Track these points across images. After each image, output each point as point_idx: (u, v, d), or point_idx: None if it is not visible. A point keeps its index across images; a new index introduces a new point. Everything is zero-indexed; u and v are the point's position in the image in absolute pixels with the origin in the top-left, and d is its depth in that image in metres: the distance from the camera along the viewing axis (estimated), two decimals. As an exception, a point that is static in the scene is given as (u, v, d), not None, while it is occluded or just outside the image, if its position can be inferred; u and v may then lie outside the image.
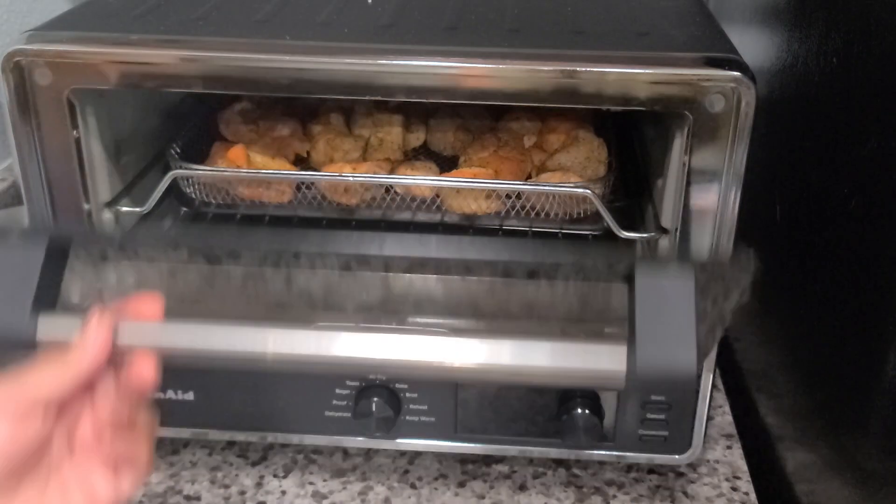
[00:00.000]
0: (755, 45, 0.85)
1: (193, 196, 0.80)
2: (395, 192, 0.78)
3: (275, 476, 0.77)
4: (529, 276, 0.57)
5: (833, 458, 0.65)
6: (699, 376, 0.66)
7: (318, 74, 0.64)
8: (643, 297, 0.52)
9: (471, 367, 0.55)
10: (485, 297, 0.59)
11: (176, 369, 0.54)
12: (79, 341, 0.51)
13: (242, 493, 0.76)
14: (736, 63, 0.62)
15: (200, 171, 0.77)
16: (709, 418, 0.74)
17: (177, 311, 0.55)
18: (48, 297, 0.54)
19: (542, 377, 0.55)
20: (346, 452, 0.80)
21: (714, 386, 0.73)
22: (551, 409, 0.74)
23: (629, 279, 0.53)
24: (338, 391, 0.74)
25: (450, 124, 0.86)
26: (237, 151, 0.79)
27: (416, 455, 0.79)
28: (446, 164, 0.83)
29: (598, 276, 0.55)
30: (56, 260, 0.55)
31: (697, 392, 0.72)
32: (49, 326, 0.53)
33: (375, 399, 0.73)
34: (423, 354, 0.55)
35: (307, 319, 0.56)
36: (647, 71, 0.62)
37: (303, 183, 0.78)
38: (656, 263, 0.55)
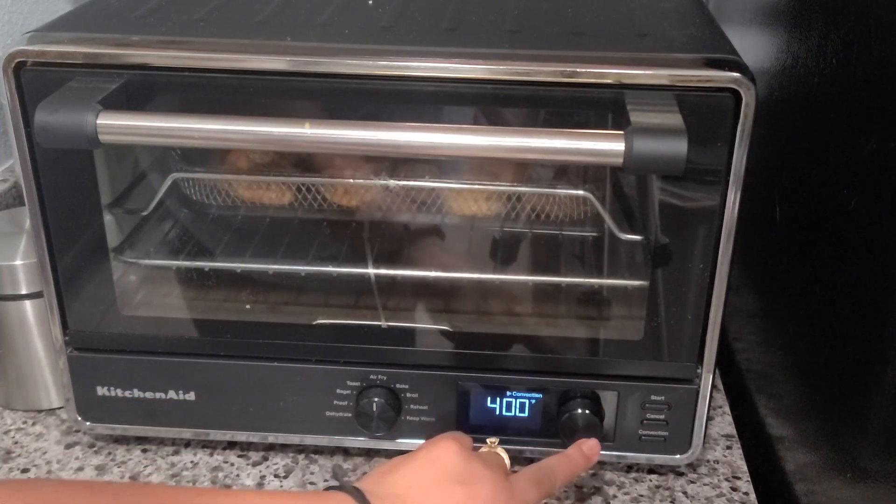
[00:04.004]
0: (755, 45, 0.85)
1: (194, 198, 0.80)
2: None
3: (276, 476, 0.77)
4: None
5: (833, 458, 0.65)
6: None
7: (318, 77, 0.64)
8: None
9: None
10: None
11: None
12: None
13: (243, 493, 0.76)
14: (736, 64, 0.62)
15: (200, 174, 0.77)
16: (709, 418, 0.74)
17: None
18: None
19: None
20: (346, 452, 0.80)
21: (714, 386, 0.73)
22: (551, 409, 0.74)
23: None
24: (339, 391, 0.75)
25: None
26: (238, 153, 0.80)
27: (416, 455, 0.79)
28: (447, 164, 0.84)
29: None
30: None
31: (698, 392, 0.72)
32: None
33: (376, 399, 0.73)
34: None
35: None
36: (646, 72, 0.62)
37: (303, 185, 0.78)
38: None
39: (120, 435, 0.80)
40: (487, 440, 0.67)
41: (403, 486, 0.57)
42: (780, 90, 0.78)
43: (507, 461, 0.65)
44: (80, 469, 0.77)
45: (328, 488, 0.57)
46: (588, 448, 0.69)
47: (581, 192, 0.78)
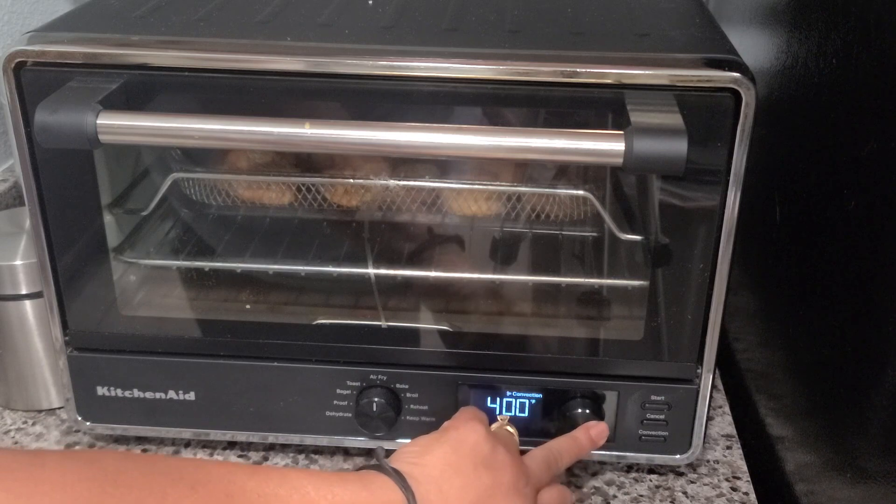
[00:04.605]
0: (755, 45, 0.85)
1: (194, 198, 0.80)
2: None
3: (276, 476, 0.77)
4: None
5: (833, 458, 0.65)
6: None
7: (318, 77, 0.64)
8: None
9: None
10: None
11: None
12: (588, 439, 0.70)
13: (243, 493, 0.76)
14: (736, 64, 0.62)
15: (200, 174, 0.77)
16: (709, 418, 0.74)
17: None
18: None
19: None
20: (346, 452, 0.80)
21: (714, 386, 0.73)
22: (551, 410, 0.74)
23: None
24: (339, 391, 0.75)
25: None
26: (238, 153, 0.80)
27: (416, 455, 0.79)
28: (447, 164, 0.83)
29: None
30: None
31: (698, 392, 0.72)
32: None
33: (376, 399, 0.73)
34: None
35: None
36: (646, 72, 0.62)
37: (303, 185, 0.78)
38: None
39: (120, 435, 0.80)
40: (498, 417, 0.69)
41: (438, 469, 0.59)
42: (780, 90, 0.78)
43: (517, 438, 0.68)
44: (80, 469, 0.77)
45: (361, 468, 0.59)
46: (596, 433, 0.71)
47: (581, 192, 0.78)
